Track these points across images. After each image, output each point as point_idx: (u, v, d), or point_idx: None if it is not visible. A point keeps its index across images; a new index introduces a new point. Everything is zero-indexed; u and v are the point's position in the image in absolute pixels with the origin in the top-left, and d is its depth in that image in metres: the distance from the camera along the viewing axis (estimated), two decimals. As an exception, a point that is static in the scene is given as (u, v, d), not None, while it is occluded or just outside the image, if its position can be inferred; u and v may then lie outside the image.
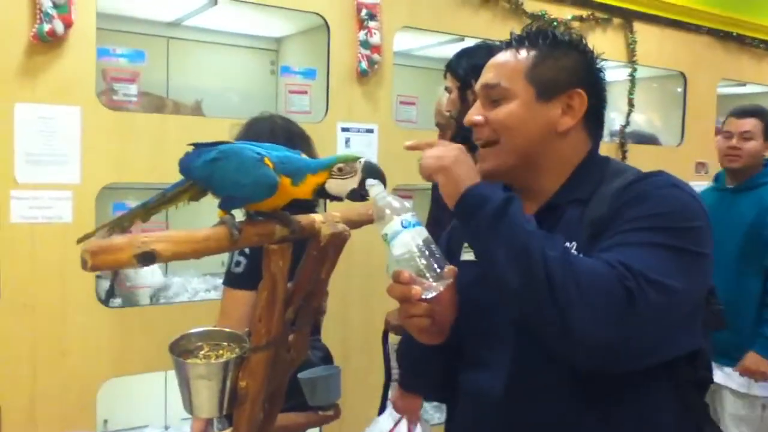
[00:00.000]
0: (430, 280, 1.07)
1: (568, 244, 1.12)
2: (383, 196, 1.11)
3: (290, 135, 1.99)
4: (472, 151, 1.24)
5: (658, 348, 1.04)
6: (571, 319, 0.96)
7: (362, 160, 1.16)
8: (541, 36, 1.22)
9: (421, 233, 1.08)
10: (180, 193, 1.26)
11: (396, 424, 2.19)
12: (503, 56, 1.24)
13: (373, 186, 1.12)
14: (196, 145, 1.26)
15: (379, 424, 2.25)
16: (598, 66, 1.25)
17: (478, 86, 1.25)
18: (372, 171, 1.15)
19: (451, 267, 1.10)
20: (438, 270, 1.07)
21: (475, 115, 1.23)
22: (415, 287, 1.07)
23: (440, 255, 1.09)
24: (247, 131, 2.00)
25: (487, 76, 1.23)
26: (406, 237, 1.07)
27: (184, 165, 1.25)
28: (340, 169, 1.15)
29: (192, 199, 1.27)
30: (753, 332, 2.70)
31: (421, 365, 1.34)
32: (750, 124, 2.89)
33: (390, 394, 2.25)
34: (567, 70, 1.20)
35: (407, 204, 1.10)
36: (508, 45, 1.25)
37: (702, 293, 1.10)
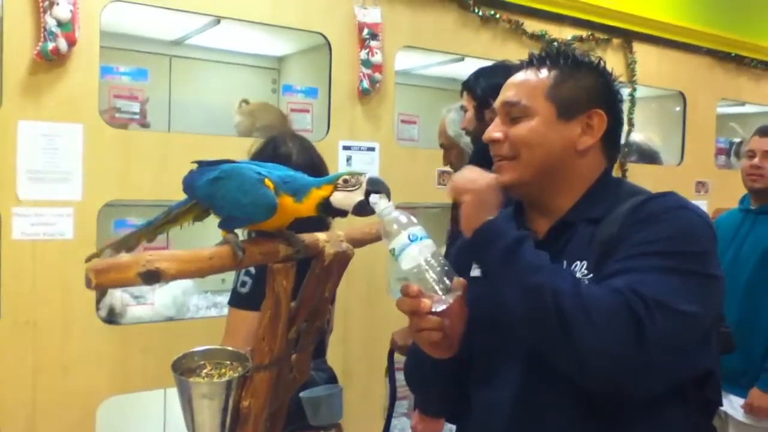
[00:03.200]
0: (440, 293, 1.07)
1: (579, 262, 1.13)
2: (389, 211, 1.11)
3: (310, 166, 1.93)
4: (488, 167, 1.26)
5: (672, 373, 1.04)
6: (583, 351, 0.98)
7: (366, 175, 1.16)
8: (561, 56, 1.24)
9: (429, 246, 1.08)
10: (184, 213, 1.26)
11: None
12: (524, 75, 1.25)
13: (379, 201, 1.13)
14: (200, 164, 1.26)
15: None
16: (616, 87, 1.26)
17: (498, 103, 1.26)
18: (377, 184, 1.15)
19: (460, 279, 1.11)
20: (447, 282, 1.08)
21: (494, 131, 1.24)
22: (425, 300, 1.08)
23: (449, 268, 1.09)
24: (265, 151, 1.96)
25: (508, 94, 1.24)
26: (414, 251, 1.07)
27: (188, 184, 1.25)
28: (345, 181, 1.15)
29: (196, 219, 1.28)
30: (762, 362, 2.62)
31: (430, 384, 1.34)
32: None
33: (412, 419, 2.21)
34: (587, 90, 1.22)
35: (414, 218, 1.10)
36: (528, 64, 1.26)
37: (715, 315, 1.10)
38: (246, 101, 3.00)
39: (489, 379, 1.22)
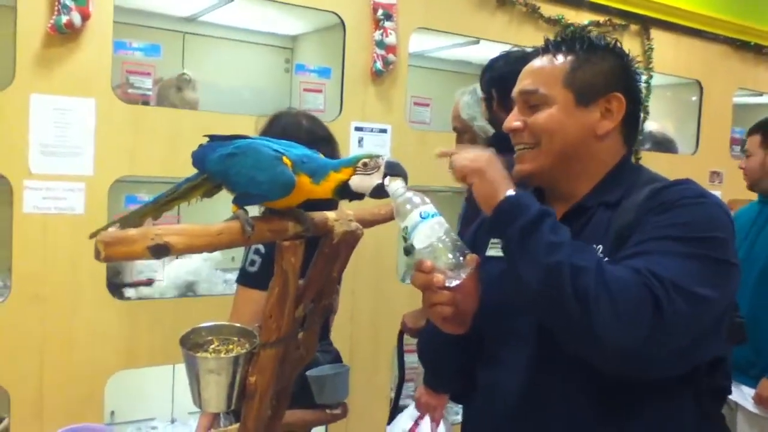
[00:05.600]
0: (453, 268, 1.08)
1: (594, 246, 1.13)
2: (402, 191, 1.12)
3: (313, 138, 1.94)
4: (505, 151, 1.25)
5: (686, 356, 1.05)
6: (600, 330, 0.97)
7: (384, 157, 1.16)
8: (577, 41, 1.23)
9: (441, 223, 1.09)
10: (192, 189, 1.24)
11: (416, 423, 2.17)
12: (540, 62, 1.24)
13: (393, 182, 1.13)
14: (212, 138, 1.25)
15: (399, 423, 2.24)
16: (634, 70, 1.25)
17: (515, 92, 1.26)
18: (395, 167, 1.15)
19: (473, 255, 1.11)
20: (460, 258, 1.08)
21: (514, 121, 1.24)
22: (438, 275, 1.08)
23: (461, 243, 1.10)
24: (272, 127, 1.97)
25: (525, 82, 1.24)
26: (426, 228, 1.08)
27: (198, 158, 1.23)
28: (365, 165, 1.14)
29: (205, 195, 1.26)
30: None
31: (441, 360, 1.35)
32: (750, 141, 2.85)
33: (415, 393, 2.23)
34: (605, 74, 1.21)
35: (426, 198, 1.11)
36: (544, 51, 1.25)
37: (729, 302, 1.10)
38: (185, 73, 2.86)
39: (497, 360, 1.23)
